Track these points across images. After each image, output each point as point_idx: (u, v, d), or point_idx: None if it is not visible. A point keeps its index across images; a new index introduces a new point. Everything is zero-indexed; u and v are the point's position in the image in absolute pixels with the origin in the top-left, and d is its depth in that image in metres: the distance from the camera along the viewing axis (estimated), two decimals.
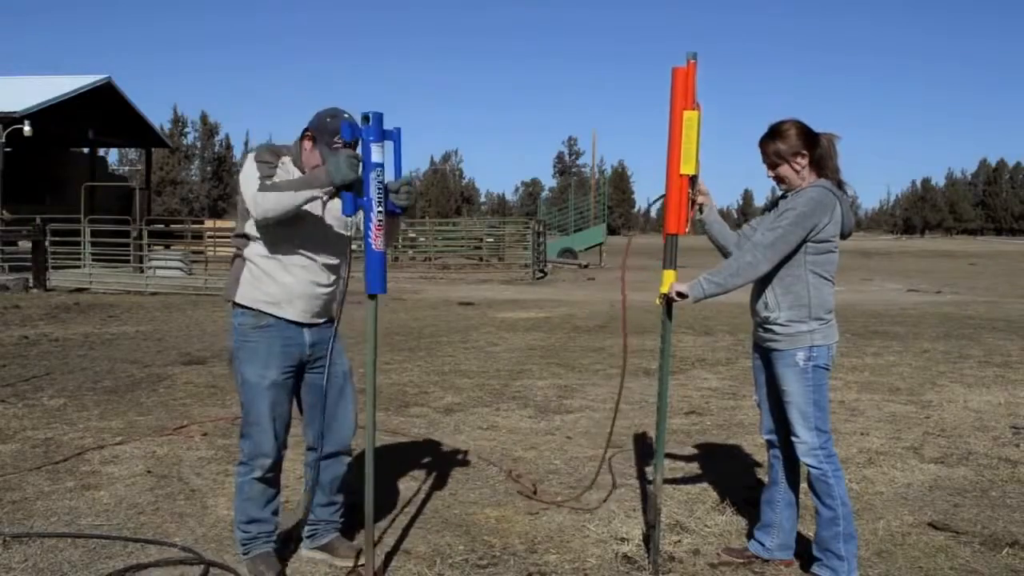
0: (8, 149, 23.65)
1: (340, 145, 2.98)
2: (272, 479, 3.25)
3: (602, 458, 4.30)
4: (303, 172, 3.15)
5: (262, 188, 2.96)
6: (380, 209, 2.89)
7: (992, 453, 5.06)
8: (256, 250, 3.14)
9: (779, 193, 3.30)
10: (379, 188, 2.87)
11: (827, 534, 3.16)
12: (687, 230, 3.16)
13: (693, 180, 3.17)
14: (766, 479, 3.53)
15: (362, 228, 2.98)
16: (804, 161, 3.14)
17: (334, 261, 3.23)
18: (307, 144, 3.14)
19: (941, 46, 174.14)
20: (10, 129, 22.77)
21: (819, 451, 3.13)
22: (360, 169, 2.87)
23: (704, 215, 3.38)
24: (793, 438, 3.18)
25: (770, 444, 3.41)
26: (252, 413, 3.15)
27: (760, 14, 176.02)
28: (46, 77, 27.57)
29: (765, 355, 3.27)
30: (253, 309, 3.14)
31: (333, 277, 3.24)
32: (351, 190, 2.88)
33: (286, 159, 3.16)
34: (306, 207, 3.02)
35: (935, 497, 4.27)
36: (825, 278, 3.14)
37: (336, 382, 3.28)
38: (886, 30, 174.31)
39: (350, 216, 2.95)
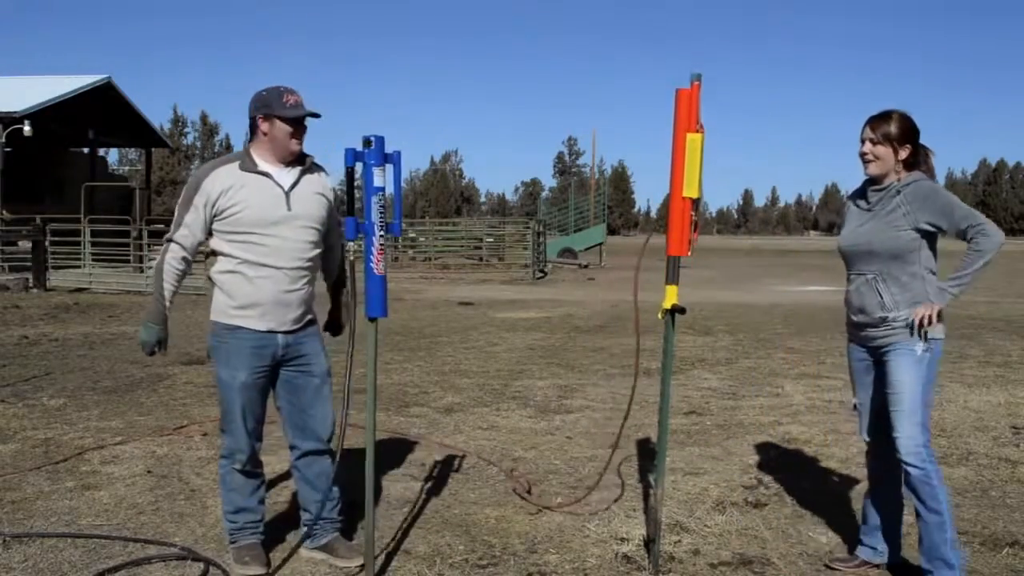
0: (8, 149, 23.66)
1: (292, 103, 3.06)
2: (251, 471, 3.34)
3: (608, 461, 4.29)
4: (261, 165, 3.16)
5: (169, 237, 3.18)
6: (382, 233, 2.91)
7: (992, 453, 5.06)
8: (221, 267, 3.20)
9: (856, 188, 3.31)
10: (380, 212, 2.91)
11: (937, 540, 3.03)
12: (689, 252, 3.15)
13: (696, 202, 3.15)
14: (865, 484, 3.50)
15: (350, 244, 3.02)
16: (906, 153, 3.13)
17: (301, 264, 3.23)
18: (263, 126, 3.14)
19: (941, 46, 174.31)
20: (10, 129, 22.79)
21: (923, 449, 3.04)
22: (157, 334, 3.15)
23: None
24: (896, 435, 3.07)
25: (871, 447, 3.35)
26: (228, 411, 3.25)
27: (759, 13, 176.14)
28: (46, 77, 27.59)
29: (876, 352, 3.22)
30: (225, 324, 3.21)
31: (303, 280, 3.25)
32: (350, 215, 2.93)
33: (232, 166, 3.16)
34: (265, 216, 3.11)
35: None
36: (934, 272, 3.17)
37: (313, 381, 3.33)
38: (885, 29, 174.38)
39: (351, 241, 2.97)
